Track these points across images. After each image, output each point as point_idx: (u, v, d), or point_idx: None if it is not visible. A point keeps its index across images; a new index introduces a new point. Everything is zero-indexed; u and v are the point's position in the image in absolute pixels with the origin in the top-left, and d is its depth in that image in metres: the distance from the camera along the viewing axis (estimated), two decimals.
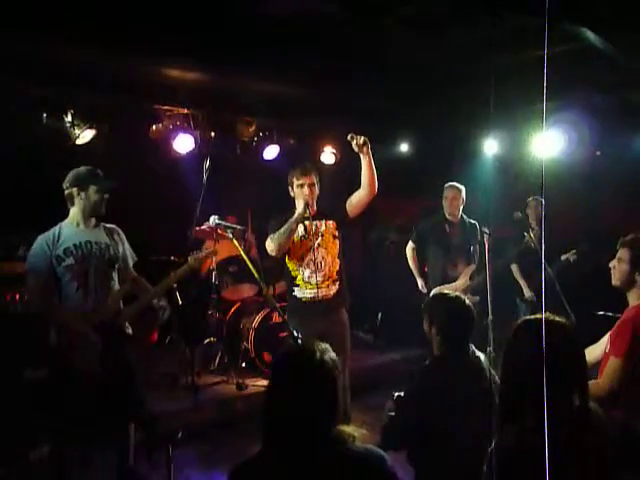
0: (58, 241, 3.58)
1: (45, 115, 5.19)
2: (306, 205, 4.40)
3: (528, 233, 5.42)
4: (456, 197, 5.58)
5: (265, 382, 5.77)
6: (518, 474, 1.91)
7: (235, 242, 3.97)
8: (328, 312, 4.41)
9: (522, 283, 6.00)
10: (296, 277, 4.48)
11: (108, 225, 3.85)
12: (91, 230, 3.71)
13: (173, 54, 4.97)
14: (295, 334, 3.29)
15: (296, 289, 4.47)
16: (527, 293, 5.93)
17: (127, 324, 3.81)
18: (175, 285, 6.30)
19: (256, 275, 3.75)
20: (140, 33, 4.51)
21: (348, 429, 1.89)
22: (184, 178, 5.87)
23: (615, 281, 3.19)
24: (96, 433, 3.74)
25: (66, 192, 3.65)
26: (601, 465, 1.93)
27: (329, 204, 4.77)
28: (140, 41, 4.60)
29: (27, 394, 4.45)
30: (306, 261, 4.43)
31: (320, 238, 4.48)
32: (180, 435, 3.92)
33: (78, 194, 3.63)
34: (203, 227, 5.56)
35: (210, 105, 6.12)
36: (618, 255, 3.19)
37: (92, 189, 3.64)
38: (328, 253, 4.49)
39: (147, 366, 5.90)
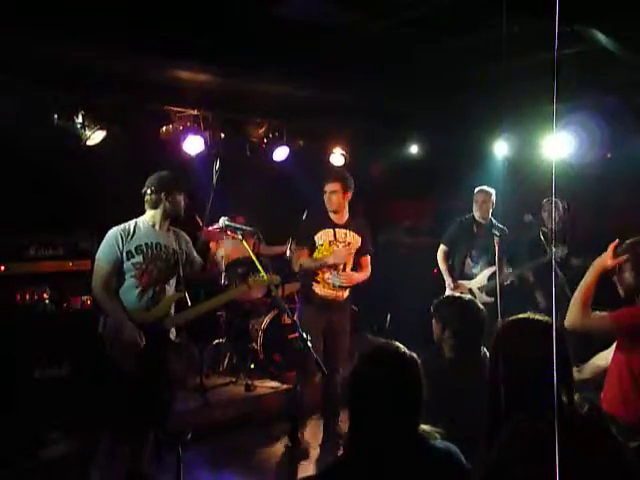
0: (132, 236, 3.69)
1: (56, 116, 5.22)
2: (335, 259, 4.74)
3: (539, 237, 5.42)
4: (486, 200, 5.72)
5: (274, 383, 5.87)
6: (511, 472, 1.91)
7: (244, 243, 3.98)
8: (336, 312, 4.80)
9: (538, 294, 5.95)
10: (317, 274, 4.75)
11: (177, 230, 3.99)
12: (164, 233, 3.85)
13: (183, 55, 4.98)
14: (304, 336, 3.29)
15: (315, 285, 4.76)
16: (539, 297, 5.88)
17: (173, 330, 3.86)
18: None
19: (265, 276, 3.76)
20: (151, 34, 4.53)
21: (428, 428, 1.94)
22: (194, 179, 5.89)
23: (622, 290, 3.18)
24: (119, 431, 3.74)
25: (149, 196, 3.78)
26: (597, 465, 1.92)
27: (362, 218, 5.10)
28: (150, 42, 4.62)
29: (38, 393, 4.48)
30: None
31: (348, 246, 4.76)
32: (189, 436, 3.93)
33: (166, 198, 3.78)
34: (212, 228, 5.59)
35: (220, 106, 6.14)
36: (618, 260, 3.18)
37: (177, 194, 3.83)
38: (349, 262, 4.76)
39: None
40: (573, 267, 5.80)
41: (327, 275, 4.70)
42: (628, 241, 3.18)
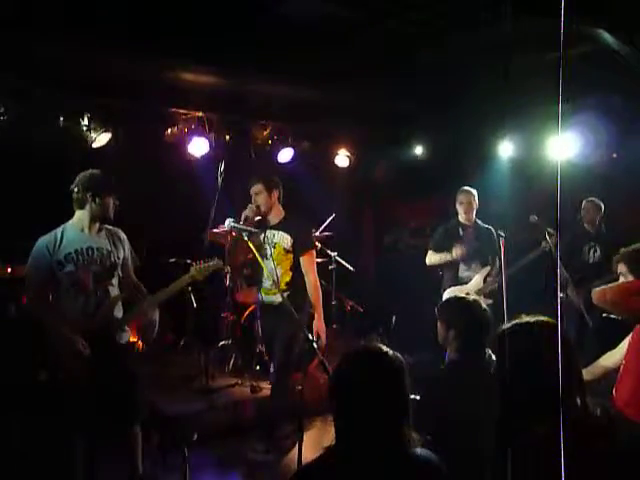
0: (60, 245, 3.53)
1: (62, 119, 5.24)
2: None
3: (545, 239, 5.39)
4: (470, 201, 5.59)
5: None
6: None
7: (250, 245, 3.97)
8: (273, 317, 4.58)
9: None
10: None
11: (110, 228, 3.78)
12: (94, 235, 3.65)
13: (188, 58, 5.00)
14: (310, 337, 3.28)
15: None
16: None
17: (127, 330, 3.78)
18: (190, 288, 6.36)
19: (271, 278, 3.75)
20: (155, 37, 4.54)
21: (413, 433, 1.89)
22: (199, 181, 5.90)
23: None
24: (97, 439, 3.71)
25: (76, 195, 3.59)
26: (610, 465, 1.92)
27: (298, 217, 4.75)
28: (155, 45, 4.63)
29: (42, 395, 4.48)
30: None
31: (272, 249, 4.55)
32: (195, 437, 3.93)
33: (92, 199, 3.57)
34: (218, 230, 5.59)
35: (225, 108, 6.15)
36: (619, 270, 3.19)
37: (106, 195, 3.61)
38: (278, 264, 4.50)
39: (161, 369, 5.94)
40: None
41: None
42: (628, 250, 3.20)
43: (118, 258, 3.73)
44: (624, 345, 3.08)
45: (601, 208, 6.03)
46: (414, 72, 5.73)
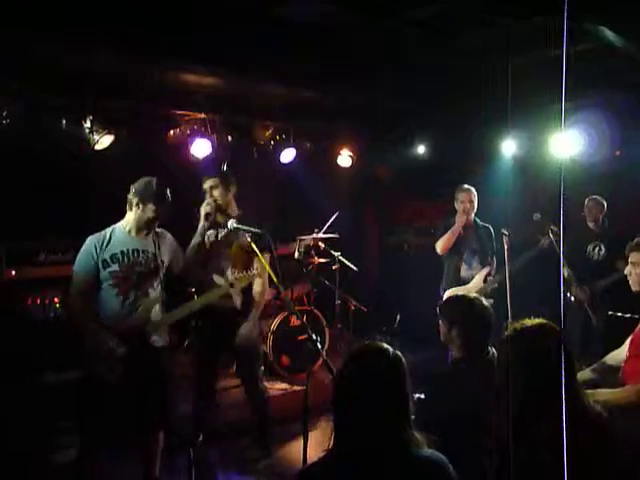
0: (107, 245, 3.63)
1: (64, 121, 5.24)
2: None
3: (545, 235, 5.39)
4: (466, 200, 5.55)
5: (283, 385, 5.85)
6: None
7: (253, 246, 3.97)
8: (232, 321, 4.33)
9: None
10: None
11: (159, 230, 3.88)
12: (141, 237, 3.75)
13: (190, 59, 5.00)
14: (314, 337, 3.28)
15: None
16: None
17: (163, 332, 3.79)
18: (193, 289, 6.36)
19: (274, 278, 3.75)
20: (157, 38, 4.54)
21: (417, 434, 1.89)
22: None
23: (636, 286, 3.16)
24: (119, 441, 3.73)
25: (129, 197, 3.71)
26: (608, 465, 1.92)
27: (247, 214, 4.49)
28: (156, 46, 4.63)
29: (49, 397, 4.49)
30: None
31: (228, 248, 4.36)
32: (201, 438, 3.93)
33: (137, 205, 3.68)
34: None
35: (227, 109, 6.15)
36: (631, 260, 3.16)
37: (150, 206, 3.69)
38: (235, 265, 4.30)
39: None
40: (618, 269, 5.41)
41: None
42: (638, 238, 3.18)
43: (162, 261, 3.80)
44: (628, 343, 3.07)
45: (604, 206, 6.02)
46: (416, 71, 5.72)
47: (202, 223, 4.26)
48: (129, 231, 3.73)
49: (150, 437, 3.80)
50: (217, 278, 4.30)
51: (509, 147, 6.50)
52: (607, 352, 3.33)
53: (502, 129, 6.38)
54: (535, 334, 2.06)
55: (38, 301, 5.20)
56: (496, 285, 5.37)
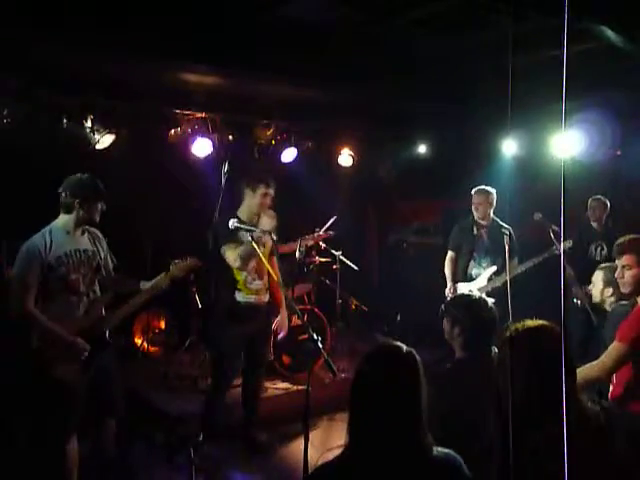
0: (50, 248, 3.51)
1: (65, 121, 5.25)
2: None
3: (555, 242, 5.38)
4: (482, 203, 5.56)
5: (285, 385, 5.86)
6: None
7: (254, 245, 3.98)
8: (260, 316, 4.67)
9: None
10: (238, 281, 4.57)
11: (91, 229, 3.79)
12: (79, 237, 3.68)
13: (191, 58, 5.00)
14: (315, 337, 3.28)
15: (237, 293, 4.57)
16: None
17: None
18: (194, 289, 6.37)
19: (275, 277, 3.75)
20: (158, 38, 4.55)
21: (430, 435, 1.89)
22: (202, 182, 5.91)
23: (626, 288, 3.16)
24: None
25: (64, 200, 3.58)
26: (608, 462, 1.92)
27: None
28: (158, 46, 4.64)
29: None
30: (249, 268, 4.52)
31: (263, 249, 4.44)
32: (201, 438, 3.93)
33: (80, 206, 3.57)
34: None
35: (228, 109, 6.15)
36: (622, 263, 3.16)
37: (93, 202, 3.61)
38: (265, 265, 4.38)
39: (167, 369, 5.95)
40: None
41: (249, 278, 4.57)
42: (629, 237, 3.17)
43: (100, 258, 3.76)
44: None
45: (607, 206, 6.01)
46: (417, 70, 5.72)
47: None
48: (67, 232, 3.62)
49: (102, 426, 3.79)
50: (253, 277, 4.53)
51: (510, 147, 6.50)
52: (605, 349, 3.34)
53: (503, 129, 6.39)
54: (535, 335, 2.06)
55: None
56: (498, 284, 5.37)
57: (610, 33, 4.31)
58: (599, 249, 6.03)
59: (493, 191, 5.63)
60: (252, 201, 4.52)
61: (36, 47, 4.44)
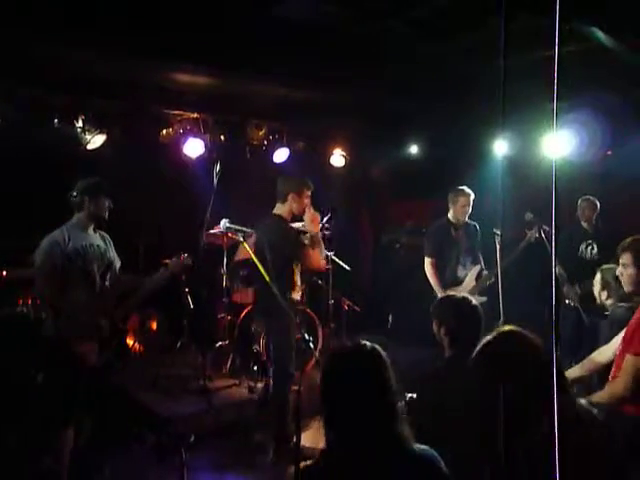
0: (69, 241, 3.85)
1: (56, 120, 5.23)
2: None
3: (531, 229, 5.44)
4: (467, 203, 5.56)
5: None
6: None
7: (246, 245, 3.98)
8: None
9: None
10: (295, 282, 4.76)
11: (100, 232, 4.14)
12: (92, 234, 4.04)
13: (183, 59, 4.99)
14: (307, 337, 3.29)
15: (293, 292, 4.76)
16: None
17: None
18: (187, 289, 6.36)
19: (267, 278, 3.75)
20: (150, 37, 4.53)
21: (408, 429, 1.90)
22: (194, 182, 5.90)
23: (627, 287, 3.18)
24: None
25: (75, 200, 3.96)
26: (598, 463, 1.92)
27: None
28: (150, 45, 4.63)
29: (40, 396, 4.46)
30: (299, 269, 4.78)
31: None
32: (192, 439, 3.92)
33: (89, 202, 3.95)
34: (214, 231, 5.58)
35: (220, 109, 6.14)
36: (622, 261, 3.18)
37: (101, 198, 3.99)
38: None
39: (159, 370, 5.93)
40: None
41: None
42: (633, 237, 3.19)
43: (111, 256, 4.12)
44: (616, 341, 3.08)
45: (597, 206, 6.06)
46: (409, 71, 5.73)
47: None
48: (82, 229, 3.98)
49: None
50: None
51: (501, 147, 6.52)
52: (594, 349, 3.35)
53: (494, 129, 6.41)
54: (501, 346, 2.08)
55: (29, 301, 5.17)
56: (488, 283, 5.39)
57: (600, 34, 4.34)
58: (589, 248, 6.06)
59: (472, 193, 5.64)
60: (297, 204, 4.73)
61: (27, 46, 4.42)
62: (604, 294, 3.69)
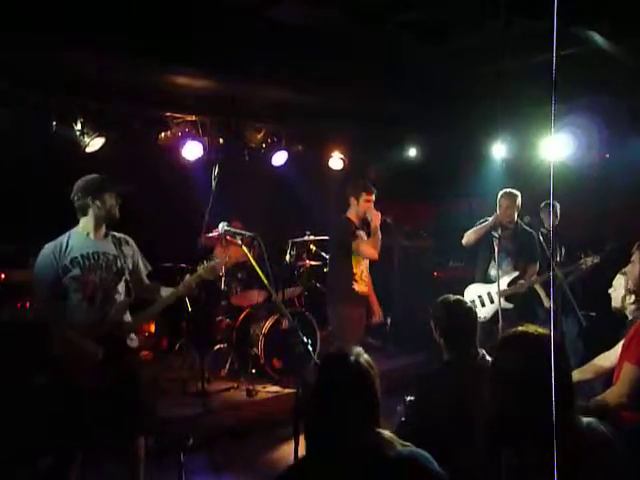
0: (66, 251, 3.51)
1: (55, 123, 5.22)
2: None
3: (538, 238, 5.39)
4: (510, 206, 5.43)
5: (275, 388, 5.85)
6: None
7: (244, 248, 3.97)
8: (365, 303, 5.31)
9: (542, 294, 5.87)
10: (355, 274, 5.15)
11: (118, 235, 3.76)
12: (100, 240, 3.64)
13: (181, 61, 5.00)
14: (305, 340, 3.28)
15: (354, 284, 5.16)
16: (547, 303, 5.79)
17: (133, 335, 3.72)
18: None
19: (265, 281, 3.74)
20: (149, 41, 4.54)
21: (389, 434, 1.89)
22: (193, 185, 5.90)
23: (632, 284, 3.19)
24: (102, 446, 3.69)
25: (78, 202, 3.58)
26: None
27: None
28: (148, 49, 4.63)
29: (36, 400, 4.46)
30: (363, 261, 5.20)
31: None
32: (191, 441, 3.90)
33: (93, 203, 3.55)
34: (212, 234, 5.58)
35: (218, 112, 6.15)
36: (632, 258, 3.20)
37: (107, 196, 3.58)
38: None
39: (157, 373, 5.93)
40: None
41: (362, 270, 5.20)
42: None
43: (125, 263, 3.69)
44: (620, 346, 3.08)
45: (558, 210, 5.87)
46: (408, 74, 5.74)
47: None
48: (87, 234, 3.61)
49: (132, 441, 3.71)
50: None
51: (499, 150, 6.53)
52: (595, 352, 3.35)
53: (492, 132, 6.42)
54: (520, 342, 2.05)
55: (28, 305, 5.17)
56: (520, 290, 5.35)
57: (598, 38, 4.35)
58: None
59: (519, 194, 5.51)
60: (356, 206, 5.12)
61: (25, 49, 4.42)
62: (631, 298, 3.59)
